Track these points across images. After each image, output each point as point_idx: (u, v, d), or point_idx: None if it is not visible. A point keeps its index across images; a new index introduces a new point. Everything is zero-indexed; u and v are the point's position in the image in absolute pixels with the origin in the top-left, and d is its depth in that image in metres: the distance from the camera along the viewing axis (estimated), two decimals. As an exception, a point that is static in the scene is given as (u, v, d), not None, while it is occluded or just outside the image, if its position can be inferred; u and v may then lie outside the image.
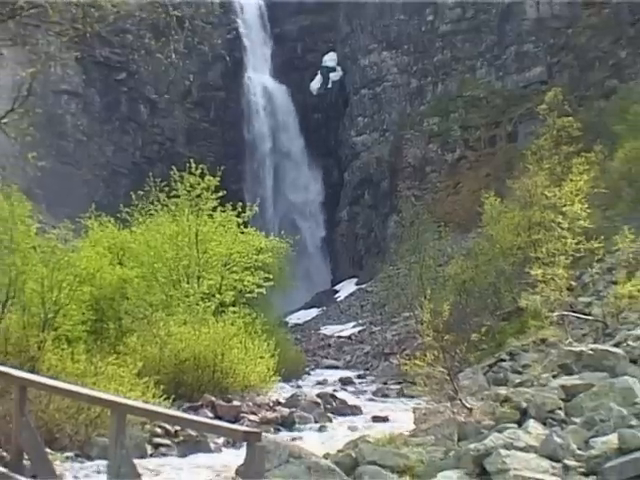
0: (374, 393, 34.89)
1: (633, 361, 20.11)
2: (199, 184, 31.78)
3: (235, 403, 25.01)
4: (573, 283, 31.39)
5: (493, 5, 74.89)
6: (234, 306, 29.71)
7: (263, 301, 34.01)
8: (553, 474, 14.01)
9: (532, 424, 16.62)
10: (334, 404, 28.76)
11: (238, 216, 32.15)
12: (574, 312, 28.22)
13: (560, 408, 17.73)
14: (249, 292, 30.81)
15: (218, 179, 31.93)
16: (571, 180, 33.52)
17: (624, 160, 43.86)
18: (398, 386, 32.62)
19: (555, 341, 25.95)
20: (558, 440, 15.00)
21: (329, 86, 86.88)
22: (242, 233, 32.18)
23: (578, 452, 14.65)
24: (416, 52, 79.26)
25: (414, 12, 79.54)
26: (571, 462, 14.28)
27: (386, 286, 64.10)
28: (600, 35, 68.02)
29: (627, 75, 61.57)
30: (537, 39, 71.84)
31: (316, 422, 25.03)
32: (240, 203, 32.69)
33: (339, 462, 16.86)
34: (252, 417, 23.69)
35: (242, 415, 23.57)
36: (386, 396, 32.98)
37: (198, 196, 31.70)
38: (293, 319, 65.75)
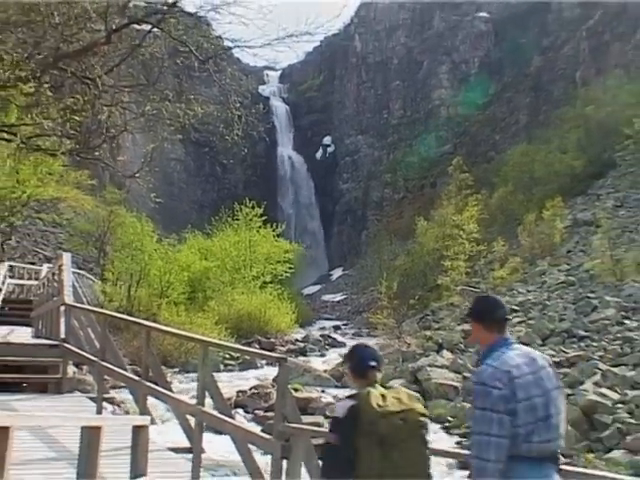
0: (353, 334, 34.85)
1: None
2: (251, 212, 31.80)
3: (272, 340, 25.00)
4: (468, 270, 31.48)
5: (422, 108, 75.42)
6: (271, 284, 29.67)
7: (288, 281, 33.92)
8: (457, 381, 14.02)
9: (445, 352, 16.65)
10: (330, 340, 28.75)
11: (274, 231, 32.11)
12: (469, 287, 28.23)
13: (461, 343, 17.74)
14: (280, 275, 30.76)
15: (262, 209, 31.96)
16: (467, 210, 33.57)
17: (498, 199, 44.27)
18: (367, 330, 32.65)
19: (458, 304, 25.96)
20: (460, 362, 15.01)
21: (327, 156, 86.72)
22: (276, 241, 32.14)
23: (472, 368, 14.65)
24: (377, 136, 79.36)
25: (376, 112, 79.98)
26: (468, 375, 14.29)
27: (360, 272, 64.17)
28: (485, 126, 68.36)
29: (500, 149, 61.60)
30: (448, 128, 71.95)
31: (319, 351, 25.03)
32: (275, 223, 32.63)
33: (333, 375, 16.90)
34: (281, 348, 23.67)
35: (276, 347, 23.56)
36: (360, 336, 32.88)
37: (250, 219, 31.69)
38: (306, 291, 65.43)
